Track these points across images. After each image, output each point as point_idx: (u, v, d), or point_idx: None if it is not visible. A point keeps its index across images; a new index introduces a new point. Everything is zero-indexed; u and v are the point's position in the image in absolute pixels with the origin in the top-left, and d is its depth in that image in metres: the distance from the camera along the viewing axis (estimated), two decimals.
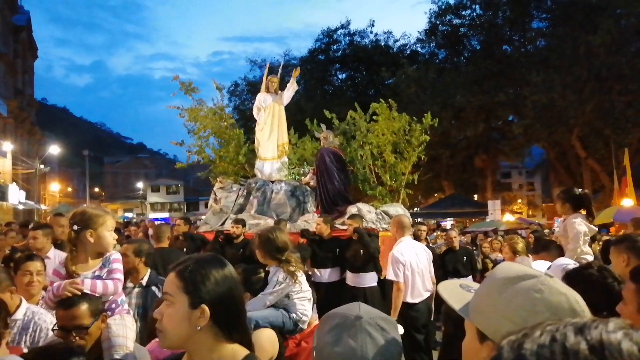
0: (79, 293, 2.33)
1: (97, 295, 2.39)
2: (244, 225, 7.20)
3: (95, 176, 74.21)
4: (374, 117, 9.43)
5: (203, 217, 10.55)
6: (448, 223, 28.97)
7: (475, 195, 38.11)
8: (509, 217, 30.36)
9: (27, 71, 42.52)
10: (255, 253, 3.63)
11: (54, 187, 43.78)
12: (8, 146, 29.74)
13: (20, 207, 30.37)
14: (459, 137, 30.00)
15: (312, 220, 7.70)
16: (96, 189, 67.02)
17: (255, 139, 9.80)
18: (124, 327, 2.46)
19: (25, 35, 40.43)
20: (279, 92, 9.63)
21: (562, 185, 27.16)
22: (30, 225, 6.68)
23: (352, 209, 7.83)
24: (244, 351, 1.53)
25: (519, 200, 55.81)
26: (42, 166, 35.09)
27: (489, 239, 10.97)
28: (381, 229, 7.73)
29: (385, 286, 7.00)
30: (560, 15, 27.05)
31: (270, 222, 7.42)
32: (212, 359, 1.49)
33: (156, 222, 12.11)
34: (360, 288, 6.46)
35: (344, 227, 7.11)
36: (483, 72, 27.23)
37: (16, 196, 29.14)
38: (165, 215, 57.97)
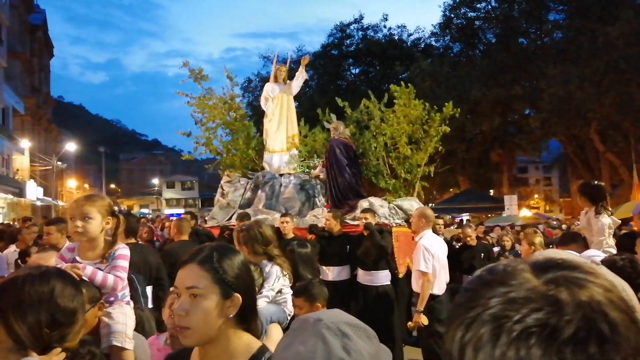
0: (77, 278, 2.29)
1: (94, 284, 2.36)
2: (249, 220, 7.05)
3: (111, 173, 75.02)
4: (394, 101, 8.91)
5: None
6: (464, 218, 28.72)
7: (492, 191, 37.75)
8: (525, 212, 30.01)
9: (44, 69, 43.06)
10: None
11: (71, 183, 44.34)
12: (26, 143, 30.16)
13: (38, 203, 30.81)
14: (474, 132, 29.70)
15: (321, 215, 7.37)
16: (112, 186, 67.79)
17: (263, 131, 9.45)
18: (123, 315, 2.44)
19: (42, 34, 40.92)
20: (288, 81, 9.24)
21: (580, 180, 26.75)
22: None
23: (363, 203, 7.44)
24: (257, 342, 1.51)
25: (536, 196, 55.19)
26: (59, 163, 35.56)
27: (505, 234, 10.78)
28: (394, 224, 7.35)
29: (399, 285, 6.75)
30: (577, 7, 26.59)
31: (277, 216, 7.14)
32: (229, 350, 1.46)
33: (171, 218, 12.05)
34: (372, 287, 6.16)
35: (355, 223, 6.80)
36: (499, 65, 26.89)
37: (34, 192, 29.57)
38: (181, 211, 58.38)
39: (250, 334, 1.51)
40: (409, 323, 5.49)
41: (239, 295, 1.45)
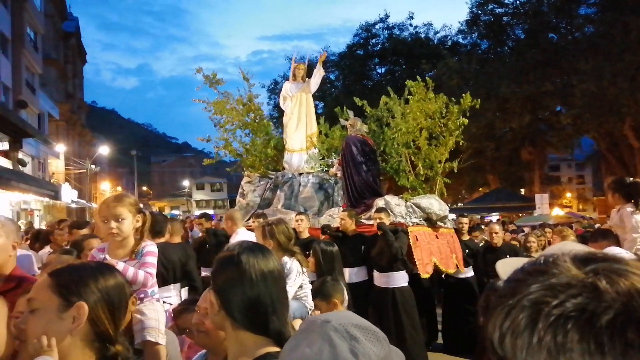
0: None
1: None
2: (265, 219, 6.88)
3: (143, 175, 76.42)
4: (408, 97, 8.61)
5: None
6: (493, 218, 28.26)
7: (522, 189, 37.03)
8: (557, 212, 29.35)
9: (77, 75, 44.23)
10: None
11: (104, 186, 45.28)
12: (61, 148, 31.02)
13: (73, 205, 31.61)
14: (504, 129, 29.14)
15: (337, 215, 7.14)
16: (144, 188, 69.09)
17: (283, 131, 9.30)
18: (155, 312, 2.50)
19: (75, 41, 42.05)
20: (307, 79, 9.08)
21: (614, 177, 25.96)
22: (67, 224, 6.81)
23: (379, 202, 7.13)
24: (263, 349, 1.46)
25: (569, 194, 53.89)
26: (92, 166, 36.45)
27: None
28: (411, 224, 7.02)
29: (418, 287, 6.53)
30: (610, 0, 25.86)
31: (294, 216, 6.93)
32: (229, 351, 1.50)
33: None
34: (389, 289, 5.93)
35: (370, 222, 6.56)
36: (528, 61, 26.31)
37: (69, 195, 30.32)
38: (210, 211, 59.05)
39: (265, 336, 1.42)
40: None
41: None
